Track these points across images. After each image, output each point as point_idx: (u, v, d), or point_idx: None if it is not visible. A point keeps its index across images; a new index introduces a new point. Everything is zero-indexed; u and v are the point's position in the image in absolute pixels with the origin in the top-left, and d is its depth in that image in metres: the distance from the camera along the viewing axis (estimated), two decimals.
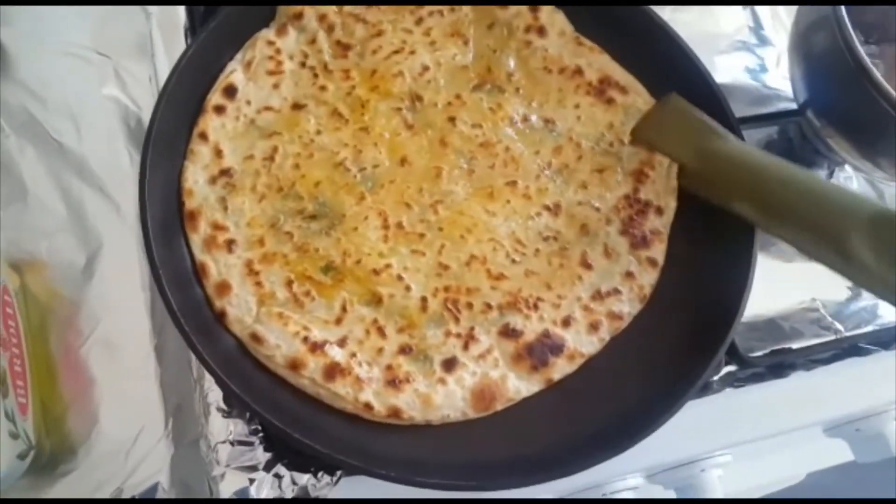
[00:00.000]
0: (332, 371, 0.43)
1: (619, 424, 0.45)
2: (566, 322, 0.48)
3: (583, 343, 0.48)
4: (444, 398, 0.44)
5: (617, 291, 0.49)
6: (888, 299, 0.42)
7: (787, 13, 0.65)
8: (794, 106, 0.57)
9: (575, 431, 0.45)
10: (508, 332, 0.47)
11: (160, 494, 0.47)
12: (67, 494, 0.47)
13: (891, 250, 0.41)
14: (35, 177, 0.53)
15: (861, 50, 0.47)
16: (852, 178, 0.61)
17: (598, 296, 0.49)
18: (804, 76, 0.54)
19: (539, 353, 0.47)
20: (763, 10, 0.65)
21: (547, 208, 0.51)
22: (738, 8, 0.65)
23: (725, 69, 0.61)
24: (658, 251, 0.51)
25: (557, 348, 0.47)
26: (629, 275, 0.50)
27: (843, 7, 0.47)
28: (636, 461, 0.49)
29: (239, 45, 0.51)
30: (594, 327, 0.48)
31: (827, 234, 0.44)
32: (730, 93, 0.52)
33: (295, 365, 0.43)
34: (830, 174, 0.61)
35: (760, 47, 0.64)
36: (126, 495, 0.47)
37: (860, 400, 0.53)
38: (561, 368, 0.47)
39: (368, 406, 0.43)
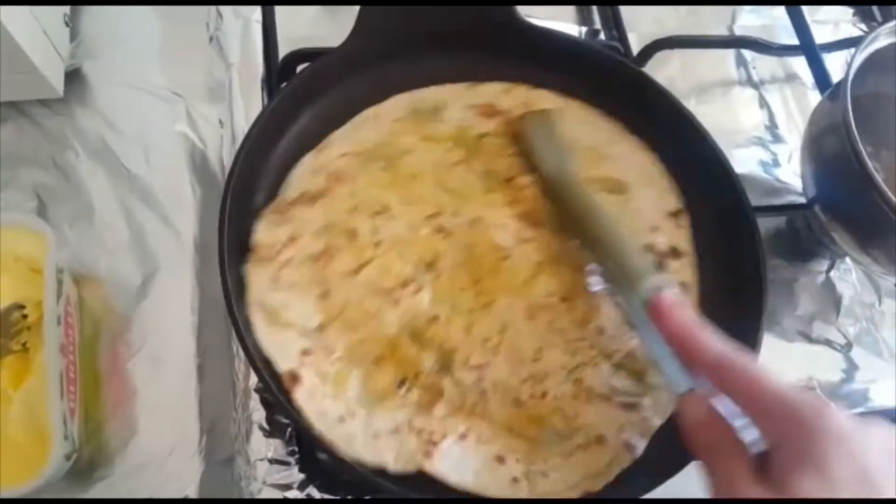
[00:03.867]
0: None
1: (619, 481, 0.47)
2: None
3: None
4: None
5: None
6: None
7: (800, 115, 0.71)
8: (802, 200, 0.62)
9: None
10: None
11: None
12: (101, 499, 0.50)
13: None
14: (103, 199, 0.57)
15: (867, 157, 0.52)
16: (851, 270, 0.66)
17: None
18: (814, 175, 0.59)
19: None
20: (779, 111, 0.71)
21: None
22: (756, 106, 0.71)
23: (742, 161, 0.66)
24: None
25: None
26: None
27: (851, 116, 0.53)
28: None
29: (314, 99, 0.55)
30: None
31: (626, 279, 0.48)
32: (745, 183, 0.56)
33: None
34: (832, 265, 0.65)
35: (774, 144, 0.69)
36: None
37: None
38: None
39: None
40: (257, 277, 0.48)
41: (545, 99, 0.59)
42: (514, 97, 0.59)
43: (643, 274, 0.47)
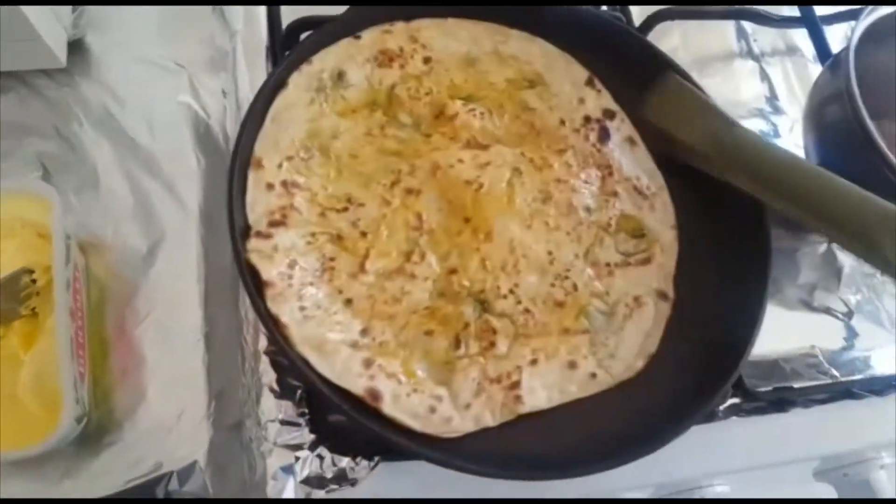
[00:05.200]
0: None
1: (626, 440, 0.48)
2: None
3: None
4: None
5: None
6: None
7: (801, 87, 0.71)
8: None
9: (584, 439, 0.49)
10: None
11: (197, 472, 0.50)
12: (110, 464, 0.50)
13: None
14: (108, 168, 0.57)
15: (870, 124, 0.52)
16: None
17: None
18: (816, 143, 0.60)
19: None
20: (779, 83, 0.71)
21: None
22: (757, 78, 0.71)
23: None
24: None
25: None
26: None
27: (855, 84, 0.53)
28: (638, 477, 0.52)
29: None
30: None
31: (856, 234, 0.49)
32: None
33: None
34: None
35: (775, 115, 0.70)
36: (165, 470, 0.50)
37: (852, 439, 0.58)
38: None
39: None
40: (288, 316, 0.47)
41: (426, 28, 0.59)
42: (395, 36, 0.58)
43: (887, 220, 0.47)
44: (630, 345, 0.52)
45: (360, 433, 0.45)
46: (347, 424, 0.47)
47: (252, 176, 0.50)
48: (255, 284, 0.47)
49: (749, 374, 0.56)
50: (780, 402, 0.57)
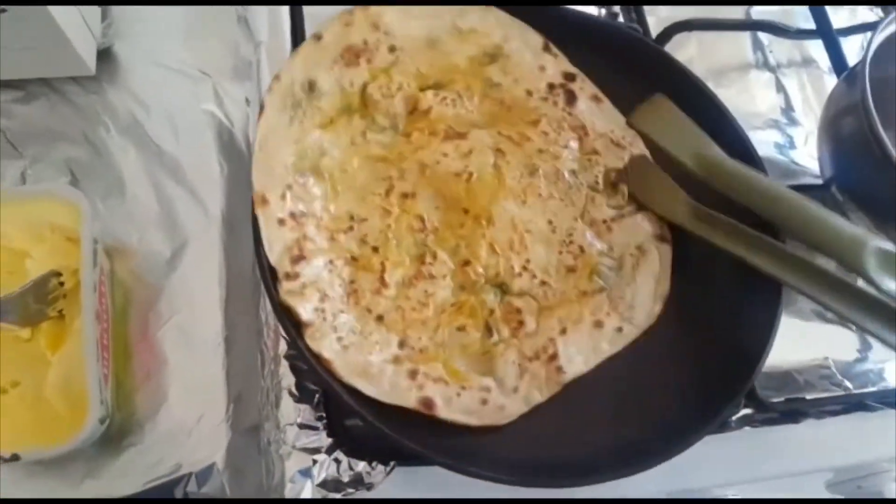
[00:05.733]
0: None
1: (637, 448, 0.49)
2: None
3: None
4: None
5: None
6: None
7: (816, 99, 0.71)
8: (818, 181, 0.63)
9: (597, 446, 0.49)
10: None
11: (215, 474, 0.51)
12: (131, 465, 0.51)
13: None
14: (134, 174, 0.58)
15: (886, 136, 0.53)
16: None
17: None
18: (831, 155, 0.60)
19: None
20: (795, 94, 0.71)
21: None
22: (772, 89, 0.71)
23: (758, 143, 0.65)
24: None
25: None
26: None
27: (870, 97, 0.54)
28: (647, 485, 0.52)
29: None
30: None
31: (839, 255, 0.50)
32: None
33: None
34: None
35: (790, 126, 0.70)
36: (184, 471, 0.51)
37: (865, 451, 0.57)
38: None
39: None
40: (329, 351, 0.47)
41: (386, 13, 0.58)
42: (357, 28, 0.57)
43: (861, 243, 0.49)
44: (645, 292, 0.55)
45: (377, 438, 0.45)
46: (364, 429, 0.48)
47: (261, 214, 0.49)
48: (293, 324, 0.47)
49: (762, 385, 0.56)
50: (793, 413, 0.57)
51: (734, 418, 0.55)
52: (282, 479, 0.47)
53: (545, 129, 0.58)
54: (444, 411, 0.47)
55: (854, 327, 0.63)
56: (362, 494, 0.48)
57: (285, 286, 0.47)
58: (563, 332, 0.52)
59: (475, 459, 0.45)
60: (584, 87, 0.60)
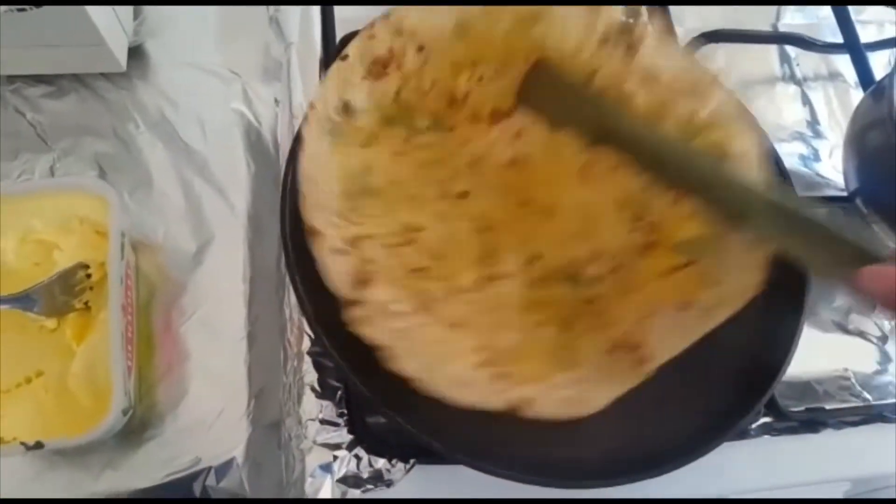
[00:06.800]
0: None
1: (656, 453, 0.48)
2: None
3: None
4: None
5: None
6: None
7: (842, 112, 0.71)
8: (843, 193, 0.63)
9: (614, 451, 0.48)
10: None
11: (234, 469, 0.52)
12: (151, 457, 0.51)
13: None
14: (161, 170, 0.59)
15: None
16: None
17: None
18: (856, 168, 0.60)
19: None
20: (821, 108, 0.71)
21: None
22: (799, 102, 0.71)
23: (783, 155, 0.65)
24: None
25: None
26: None
27: None
28: (664, 491, 0.52)
29: None
30: None
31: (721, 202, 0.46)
32: None
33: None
34: None
35: (816, 139, 0.70)
36: (203, 465, 0.51)
37: (883, 462, 0.57)
38: None
39: None
40: (413, 371, 0.43)
41: (407, 17, 0.53)
42: (381, 39, 0.52)
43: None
44: (734, 264, 0.47)
45: (397, 435, 0.45)
46: (385, 426, 0.48)
47: (315, 247, 0.45)
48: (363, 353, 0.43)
49: (782, 394, 0.56)
50: (812, 422, 0.57)
51: (753, 426, 0.55)
52: (302, 474, 0.47)
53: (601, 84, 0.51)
54: (530, 411, 0.43)
55: (874, 339, 0.63)
56: (381, 491, 0.48)
57: (350, 315, 0.43)
58: (646, 317, 0.47)
59: (496, 458, 0.44)
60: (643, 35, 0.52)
